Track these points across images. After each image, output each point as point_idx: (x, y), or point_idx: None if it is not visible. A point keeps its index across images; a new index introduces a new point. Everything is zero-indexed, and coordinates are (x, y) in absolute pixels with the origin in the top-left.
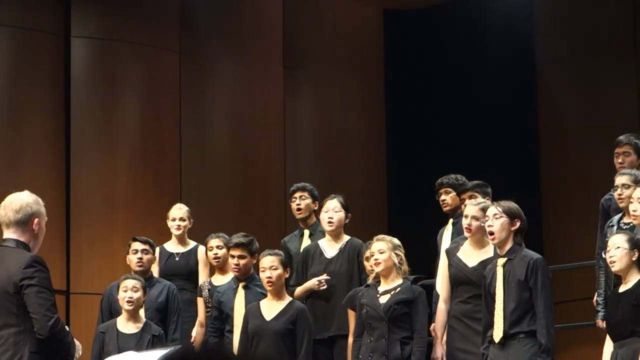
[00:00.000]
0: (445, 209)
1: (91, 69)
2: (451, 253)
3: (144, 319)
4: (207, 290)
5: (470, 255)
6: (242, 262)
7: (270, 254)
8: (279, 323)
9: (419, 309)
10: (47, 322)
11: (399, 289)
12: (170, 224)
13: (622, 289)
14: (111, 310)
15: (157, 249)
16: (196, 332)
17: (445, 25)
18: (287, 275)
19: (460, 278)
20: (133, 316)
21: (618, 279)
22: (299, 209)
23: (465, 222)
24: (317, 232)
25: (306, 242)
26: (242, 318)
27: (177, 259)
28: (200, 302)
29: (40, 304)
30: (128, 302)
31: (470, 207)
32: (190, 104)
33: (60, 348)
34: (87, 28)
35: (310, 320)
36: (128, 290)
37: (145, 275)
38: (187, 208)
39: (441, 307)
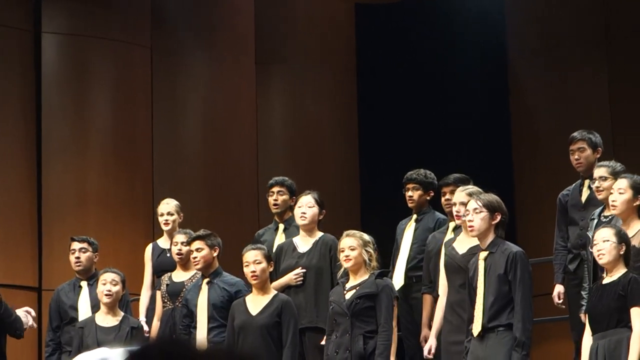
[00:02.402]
0: (410, 205)
1: (62, 65)
2: (448, 244)
3: (122, 313)
4: (165, 286)
5: (462, 243)
6: (199, 254)
7: (253, 249)
8: (265, 317)
9: (382, 302)
10: (14, 328)
11: (363, 283)
12: (159, 219)
13: (607, 280)
14: (60, 312)
15: (150, 245)
16: (153, 326)
17: (417, 19)
18: (271, 269)
19: (452, 266)
20: (111, 310)
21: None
22: (275, 204)
23: (454, 209)
24: (291, 227)
25: (280, 236)
26: (205, 314)
27: (168, 254)
28: (158, 295)
29: None
30: (106, 295)
31: (458, 194)
32: (162, 100)
33: (8, 326)
34: (57, 24)
35: (295, 311)
36: (107, 284)
37: (88, 275)
38: (175, 202)
39: (442, 300)
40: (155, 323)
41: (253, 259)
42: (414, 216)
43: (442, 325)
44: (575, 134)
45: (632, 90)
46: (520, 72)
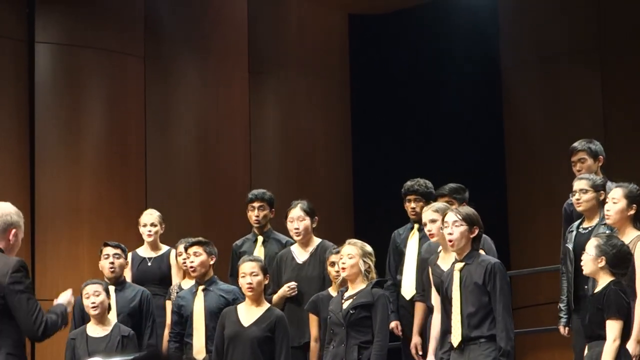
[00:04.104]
0: (413, 217)
1: (55, 75)
2: (432, 263)
3: (113, 322)
4: (175, 294)
5: (445, 259)
6: (197, 258)
7: (250, 260)
8: (257, 329)
9: (378, 312)
10: (38, 329)
11: (359, 293)
12: (141, 230)
13: (596, 290)
14: (83, 317)
15: (130, 254)
16: (165, 336)
17: (411, 29)
18: (266, 282)
19: (439, 284)
20: (101, 320)
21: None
22: (257, 220)
23: (425, 229)
24: (270, 239)
25: (259, 248)
26: (202, 321)
27: (149, 264)
28: (169, 305)
29: (31, 310)
30: (92, 307)
31: (426, 213)
32: (155, 110)
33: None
34: (50, 33)
35: (289, 328)
36: (90, 297)
37: (118, 280)
38: (158, 213)
39: (435, 317)
40: (168, 332)
41: (250, 271)
42: (416, 225)
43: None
44: (575, 144)
45: (626, 100)
46: (513, 83)
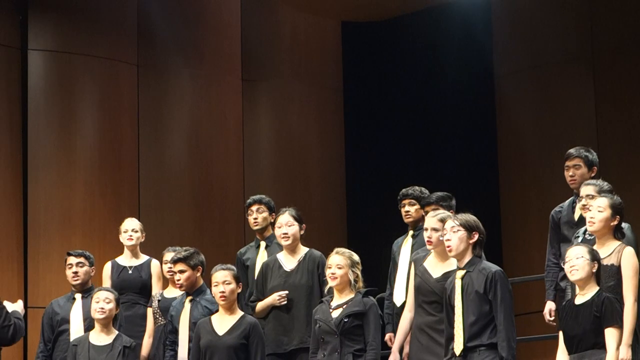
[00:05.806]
0: (407, 220)
1: (48, 82)
2: (418, 262)
3: (116, 331)
4: (156, 302)
5: (435, 267)
6: (182, 276)
7: (222, 269)
8: (232, 337)
9: (370, 321)
10: (7, 333)
11: (350, 302)
12: (123, 236)
13: (579, 300)
14: (52, 325)
15: (109, 263)
16: (144, 343)
17: (404, 37)
18: (239, 290)
19: (424, 288)
20: (105, 327)
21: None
22: (255, 222)
23: (425, 235)
24: (273, 244)
25: (262, 253)
26: (187, 332)
27: (129, 272)
28: (149, 312)
29: None
30: (99, 311)
31: (429, 220)
32: (149, 117)
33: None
34: (44, 41)
35: (262, 334)
36: (100, 302)
37: (84, 287)
38: (139, 222)
39: (406, 315)
40: (147, 340)
41: (222, 280)
42: (411, 232)
43: (411, 344)
44: (572, 150)
45: (618, 106)
46: (506, 90)
